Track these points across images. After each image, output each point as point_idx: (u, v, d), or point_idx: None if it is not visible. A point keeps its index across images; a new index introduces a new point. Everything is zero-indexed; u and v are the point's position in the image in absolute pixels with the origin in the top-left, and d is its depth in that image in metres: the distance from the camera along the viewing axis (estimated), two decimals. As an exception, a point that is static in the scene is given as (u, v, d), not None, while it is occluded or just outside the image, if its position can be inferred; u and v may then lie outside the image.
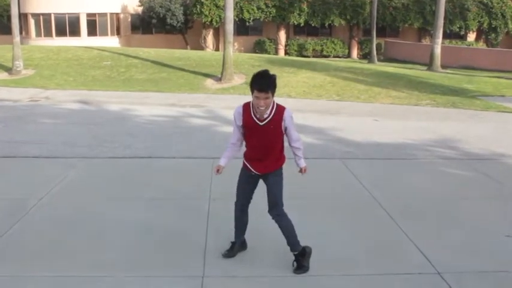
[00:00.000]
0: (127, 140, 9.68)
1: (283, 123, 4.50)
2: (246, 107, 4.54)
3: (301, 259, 4.68)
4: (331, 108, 14.12)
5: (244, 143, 4.71)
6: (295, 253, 4.69)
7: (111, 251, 5.09)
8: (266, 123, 4.46)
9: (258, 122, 4.48)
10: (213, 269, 4.77)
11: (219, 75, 18.01)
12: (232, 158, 4.77)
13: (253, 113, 4.49)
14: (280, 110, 4.51)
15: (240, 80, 17.73)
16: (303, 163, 4.75)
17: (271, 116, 4.47)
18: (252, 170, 4.67)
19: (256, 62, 20.97)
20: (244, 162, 4.74)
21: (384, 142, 10.08)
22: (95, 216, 5.95)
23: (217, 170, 4.71)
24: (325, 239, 5.46)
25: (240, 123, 4.58)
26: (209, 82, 17.82)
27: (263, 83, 4.33)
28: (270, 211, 4.68)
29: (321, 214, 6.18)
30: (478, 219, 6.17)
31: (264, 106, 4.36)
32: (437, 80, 19.85)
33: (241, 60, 21.35)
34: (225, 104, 13.98)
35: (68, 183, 7.14)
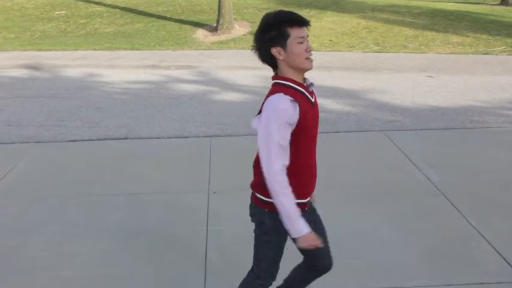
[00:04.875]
0: (93, 117, 9.73)
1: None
2: (292, 93, 3.35)
3: None
4: (368, 62, 14.06)
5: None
6: None
7: (79, 264, 5.15)
8: (315, 98, 3.60)
9: (310, 99, 3.50)
10: (216, 284, 4.83)
11: (214, 24, 17.93)
12: None
13: (303, 89, 3.44)
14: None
15: (243, 29, 17.66)
16: None
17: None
18: (306, 199, 3.68)
19: (264, 4, 20.86)
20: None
21: (442, 106, 10.03)
22: (53, 218, 6.02)
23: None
24: (366, 241, 5.48)
25: (295, 119, 3.34)
26: (201, 34, 17.76)
27: (299, 15, 3.42)
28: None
29: (359, 207, 6.19)
30: None
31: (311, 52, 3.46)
32: (515, 17, 19.70)
33: (242, 2, 21.24)
34: (223, 63, 13.96)
35: (16, 178, 7.19)
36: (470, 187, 6.68)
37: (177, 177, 7.14)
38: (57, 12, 20.65)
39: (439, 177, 6.91)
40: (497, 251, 5.25)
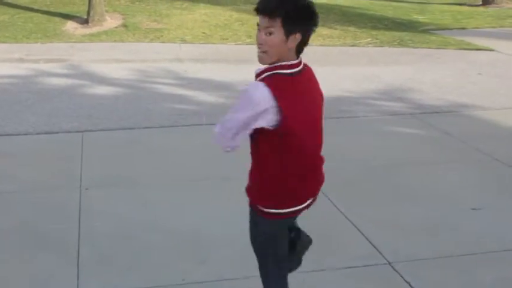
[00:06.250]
0: (-44, 114, 9.30)
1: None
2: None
3: None
4: (240, 55, 14.16)
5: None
6: None
7: None
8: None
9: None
10: (89, 281, 4.78)
11: (85, 16, 17.51)
12: None
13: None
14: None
15: (115, 21, 17.31)
16: None
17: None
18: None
19: (136, -5, 20.63)
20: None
21: (312, 97, 10.29)
22: None
23: None
24: (235, 231, 5.54)
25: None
26: (71, 26, 17.31)
27: (260, 3, 3.22)
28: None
29: (221, 202, 6.23)
30: (436, 190, 6.53)
31: (263, 45, 3.31)
32: (379, 10, 20.41)
33: (114, -7, 20.90)
34: (95, 56, 13.65)
35: None
36: (339, 175, 6.89)
37: (47, 174, 6.95)
38: None
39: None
40: (364, 236, 5.47)
